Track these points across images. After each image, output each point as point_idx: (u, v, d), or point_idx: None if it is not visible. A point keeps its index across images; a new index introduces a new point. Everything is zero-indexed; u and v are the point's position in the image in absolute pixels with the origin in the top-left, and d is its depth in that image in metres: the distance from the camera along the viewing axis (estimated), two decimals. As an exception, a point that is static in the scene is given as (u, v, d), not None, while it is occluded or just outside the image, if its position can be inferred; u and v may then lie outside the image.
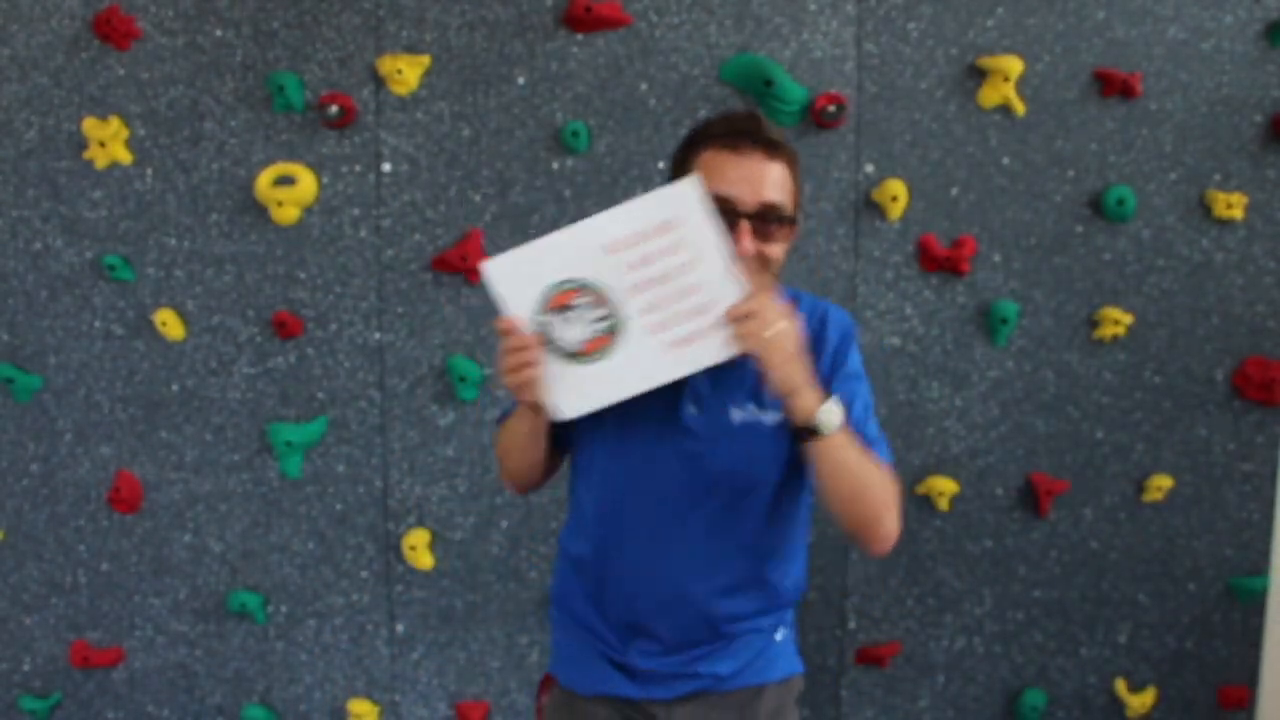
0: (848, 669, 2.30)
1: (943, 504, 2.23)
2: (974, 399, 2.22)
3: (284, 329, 2.17)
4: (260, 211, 2.14)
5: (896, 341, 2.19)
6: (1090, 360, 2.22)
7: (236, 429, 2.22)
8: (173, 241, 2.16)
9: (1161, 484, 2.24)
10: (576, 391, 1.25)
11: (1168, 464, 2.25)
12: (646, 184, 2.13)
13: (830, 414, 1.22)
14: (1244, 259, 2.19)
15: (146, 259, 2.17)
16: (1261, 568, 2.29)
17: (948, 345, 2.20)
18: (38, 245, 2.17)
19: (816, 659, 2.30)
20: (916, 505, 2.25)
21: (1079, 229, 2.17)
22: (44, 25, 2.10)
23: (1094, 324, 2.20)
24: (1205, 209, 2.18)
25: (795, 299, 1.36)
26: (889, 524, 1.30)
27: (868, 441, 1.31)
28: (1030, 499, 2.25)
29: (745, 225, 1.24)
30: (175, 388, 2.21)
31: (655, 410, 1.31)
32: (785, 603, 1.46)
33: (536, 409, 1.27)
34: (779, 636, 1.48)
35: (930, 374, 2.21)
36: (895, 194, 2.11)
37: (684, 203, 1.19)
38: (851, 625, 2.29)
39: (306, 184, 2.10)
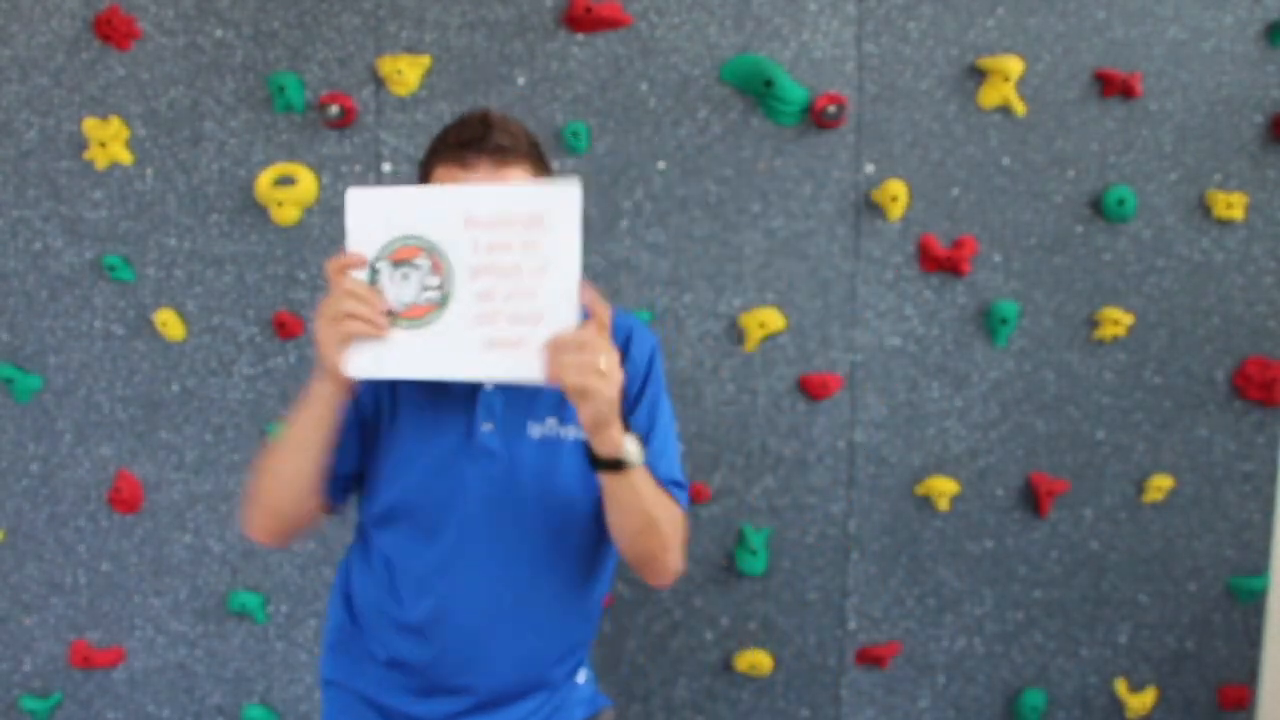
0: (848, 669, 2.30)
1: (943, 504, 2.23)
2: (974, 399, 2.22)
3: (284, 329, 2.17)
4: (260, 212, 2.14)
5: (896, 342, 2.19)
6: (1090, 360, 2.21)
7: (237, 429, 2.22)
8: (173, 242, 2.16)
9: (1162, 484, 2.24)
10: (375, 353, 1.17)
11: (1168, 464, 2.25)
12: (647, 184, 2.14)
13: (635, 452, 1.17)
14: (1244, 259, 2.19)
15: (147, 259, 2.17)
16: (1262, 568, 2.29)
17: (948, 345, 2.20)
18: (38, 245, 2.17)
19: (816, 659, 2.30)
20: (916, 506, 2.25)
21: (1079, 229, 2.17)
22: (44, 25, 2.10)
23: (1094, 324, 2.20)
24: (1205, 209, 2.18)
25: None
26: (673, 560, 1.26)
27: (664, 469, 1.27)
28: (1030, 499, 2.25)
29: None
30: (175, 388, 2.21)
31: (451, 428, 1.26)
32: (592, 635, 1.42)
33: (336, 374, 1.16)
34: (580, 679, 1.43)
35: (930, 374, 2.21)
36: (895, 194, 2.11)
37: (562, 206, 1.14)
38: (851, 625, 2.29)
39: (307, 184, 2.10)
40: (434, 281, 1.16)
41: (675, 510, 1.26)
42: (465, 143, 1.22)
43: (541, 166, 1.28)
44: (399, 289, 1.17)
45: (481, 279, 1.16)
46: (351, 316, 1.14)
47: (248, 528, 1.31)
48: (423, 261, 1.16)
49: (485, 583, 1.28)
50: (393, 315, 1.17)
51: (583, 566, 1.33)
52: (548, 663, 1.35)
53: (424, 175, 1.28)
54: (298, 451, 1.22)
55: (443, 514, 1.28)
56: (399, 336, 1.17)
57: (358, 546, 1.41)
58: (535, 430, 1.27)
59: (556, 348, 1.12)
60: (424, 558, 1.29)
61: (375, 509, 1.34)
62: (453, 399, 1.28)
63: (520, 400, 1.27)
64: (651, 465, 1.25)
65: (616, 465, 1.17)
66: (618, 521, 1.23)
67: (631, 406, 1.28)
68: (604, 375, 1.10)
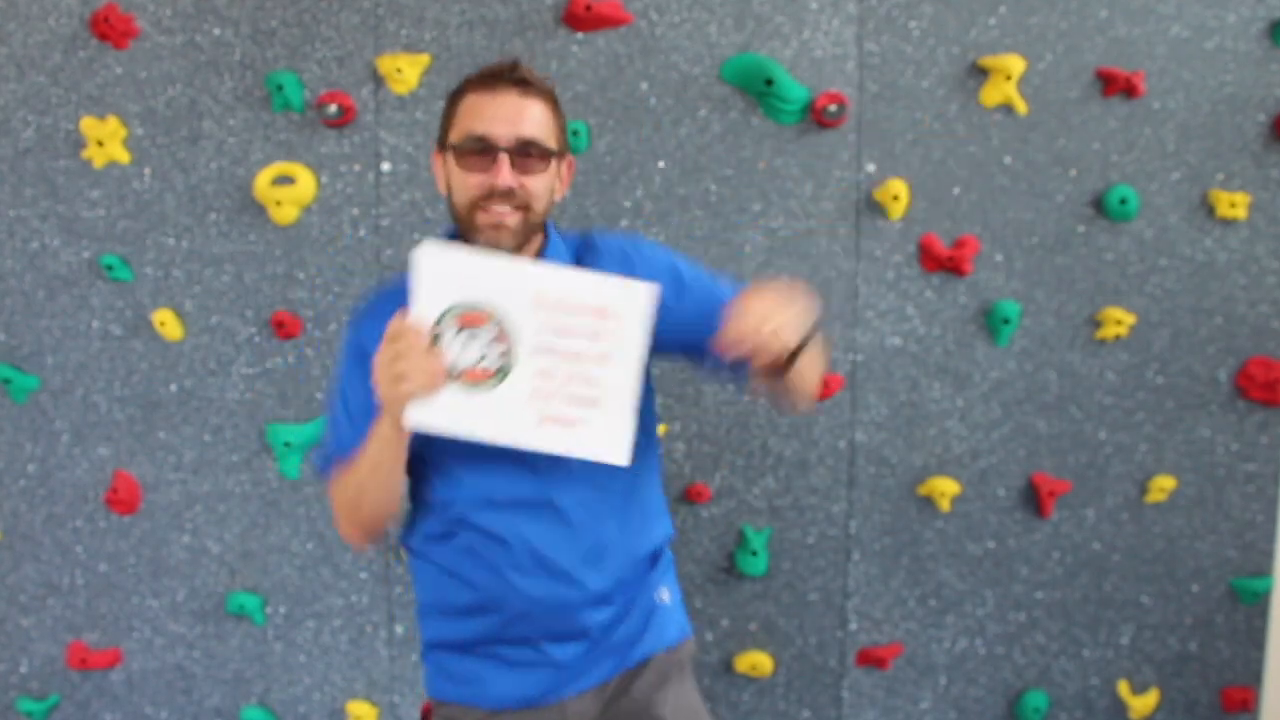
0: (849, 670, 2.30)
1: (944, 505, 2.22)
2: (976, 399, 2.21)
3: (283, 329, 2.16)
4: (259, 211, 2.13)
5: (898, 341, 2.19)
6: (1092, 360, 2.21)
7: (235, 429, 2.21)
8: (171, 241, 2.16)
9: (1164, 485, 2.23)
10: (433, 408, 1.21)
11: (1170, 465, 2.25)
12: (647, 183, 2.13)
13: (804, 344, 1.22)
14: (1247, 259, 2.19)
15: (145, 259, 2.16)
16: (1265, 569, 2.29)
17: (949, 345, 2.19)
18: (35, 245, 2.17)
19: (817, 660, 2.29)
20: (918, 506, 2.25)
21: (1081, 229, 2.17)
22: (41, 24, 2.09)
23: (1096, 324, 2.19)
24: (1208, 208, 2.17)
25: (590, 246, 1.37)
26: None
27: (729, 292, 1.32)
28: (1032, 500, 2.25)
29: (503, 158, 1.25)
30: (174, 388, 2.20)
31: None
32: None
33: (397, 419, 1.23)
34: (665, 597, 1.50)
35: (932, 374, 2.20)
36: (897, 193, 2.10)
37: (631, 301, 1.19)
38: (853, 626, 2.28)
39: (305, 183, 2.10)
40: (497, 350, 1.21)
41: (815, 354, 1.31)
42: (494, 73, 1.30)
43: (559, 112, 1.33)
44: (462, 351, 1.21)
45: (543, 357, 1.21)
46: (408, 378, 1.19)
47: (348, 540, 1.41)
48: (488, 330, 1.20)
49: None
50: (451, 373, 1.21)
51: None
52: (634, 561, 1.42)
53: (450, 107, 1.33)
54: (385, 477, 1.30)
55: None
56: (457, 397, 1.21)
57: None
58: None
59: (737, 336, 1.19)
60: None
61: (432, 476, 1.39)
62: None
63: None
64: (723, 300, 1.27)
65: (794, 357, 1.22)
66: (798, 391, 1.30)
67: (692, 308, 1.32)
68: (776, 332, 1.18)
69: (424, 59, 2.08)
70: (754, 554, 2.21)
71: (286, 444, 2.17)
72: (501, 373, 1.21)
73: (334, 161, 2.12)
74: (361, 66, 2.10)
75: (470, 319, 1.20)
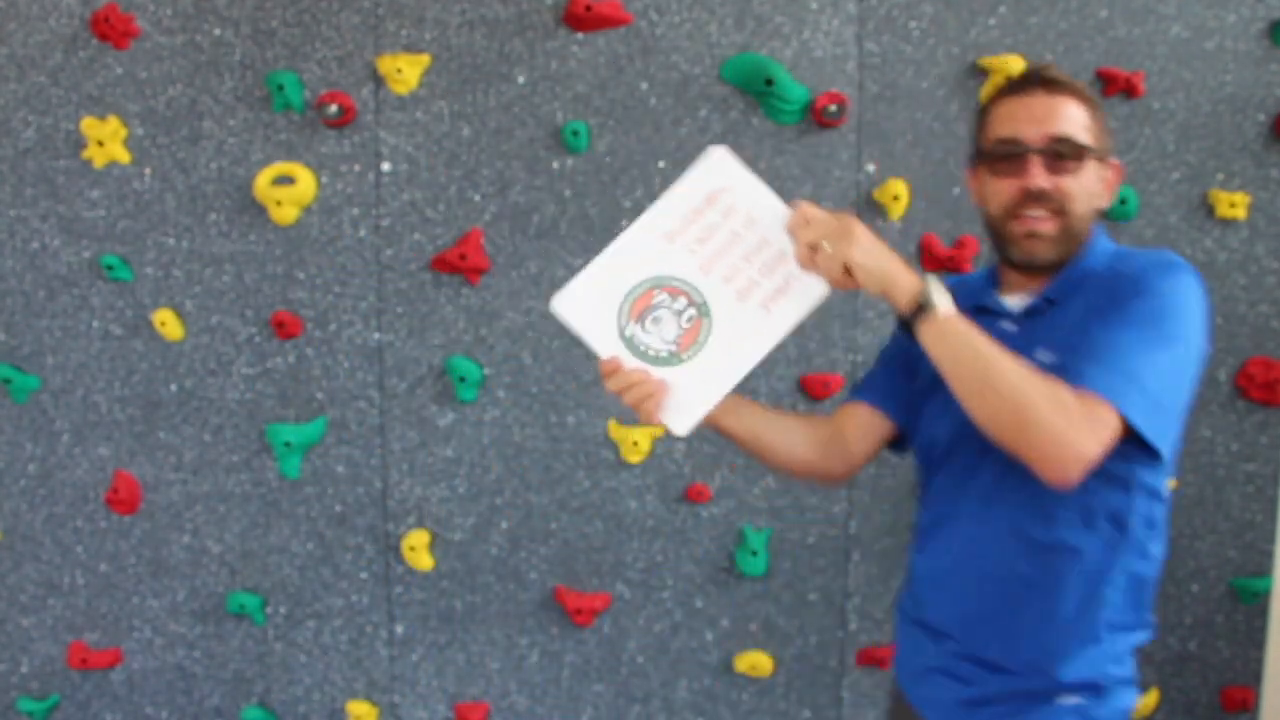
0: (849, 670, 2.30)
1: (944, 505, 2.22)
2: (976, 399, 2.21)
3: (283, 329, 2.16)
4: (259, 211, 2.13)
5: (898, 341, 2.19)
6: (1092, 360, 2.20)
7: (235, 429, 2.21)
8: (171, 241, 2.16)
9: (1164, 485, 2.23)
10: (687, 396, 1.19)
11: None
12: (647, 184, 2.13)
13: (936, 292, 1.13)
14: (1247, 259, 2.19)
15: (145, 259, 2.16)
16: (1265, 569, 2.28)
17: (949, 345, 2.19)
18: (35, 245, 2.17)
19: (817, 660, 2.29)
20: (918, 506, 2.24)
21: (1081, 228, 2.16)
22: (42, 24, 2.10)
23: (1096, 324, 2.19)
24: (1208, 208, 2.17)
25: (1119, 255, 1.26)
26: (1049, 437, 1.06)
27: (1088, 373, 1.10)
28: (1032, 500, 2.24)
29: (1033, 160, 1.21)
30: (174, 388, 2.20)
31: None
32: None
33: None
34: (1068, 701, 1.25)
35: (932, 374, 2.20)
36: (897, 193, 2.10)
37: (719, 169, 1.20)
38: (853, 626, 2.28)
39: (306, 183, 2.10)
40: (682, 304, 1.19)
41: (1036, 380, 1.08)
42: (1024, 78, 1.27)
43: (1097, 111, 1.26)
44: (661, 332, 1.19)
45: (716, 266, 1.19)
46: (640, 401, 1.19)
47: None
48: (660, 298, 1.19)
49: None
50: (676, 356, 1.19)
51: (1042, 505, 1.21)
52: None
53: (980, 119, 1.30)
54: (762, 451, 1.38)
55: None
56: (695, 366, 1.19)
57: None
58: (1044, 357, 1.19)
59: (803, 260, 1.17)
60: None
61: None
62: None
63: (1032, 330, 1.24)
64: (1071, 366, 1.13)
65: (921, 311, 1.13)
66: (955, 388, 1.13)
67: (1087, 325, 1.18)
68: (845, 235, 1.13)
69: (424, 59, 2.08)
70: (754, 554, 2.20)
71: (286, 444, 2.17)
72: (705, 312, 1.19)
73: (334, 161, 2.12)
74: (362, 66, 2.10)
75: (640, 306, 1.19)
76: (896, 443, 1.43)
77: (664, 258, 1.19)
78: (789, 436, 1.37)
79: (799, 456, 1.37)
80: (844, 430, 1.40)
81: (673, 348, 1.19)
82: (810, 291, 1.18)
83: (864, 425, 1.40)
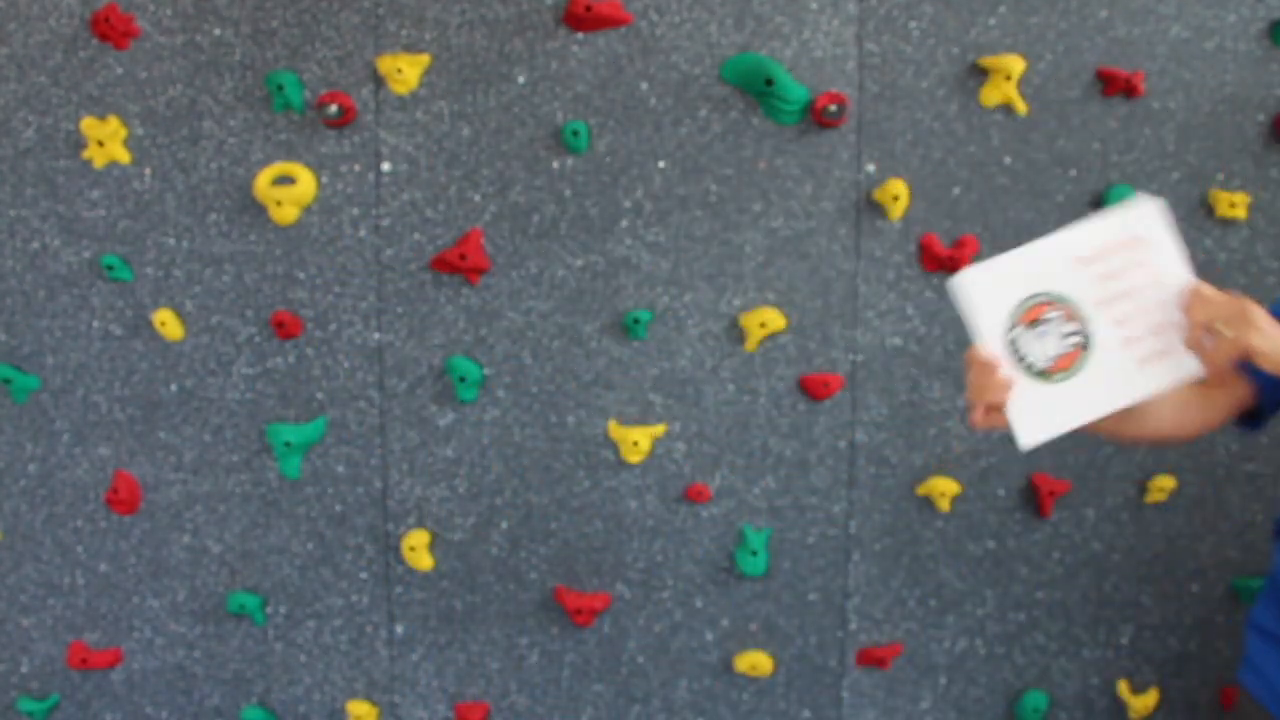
0: (849, 670, 2.30)
1: (944, 505, 2.22)
2: (976, 399, 2.21)
3: (283, 329, 2.16)
4: (259, 211, 2.13)
5: (898, 342, 2.18)
6: (1092, 360, 2.20)
7: (235, 429, 2.21)
8: (171, 241, 2.16)
9: (1164, 485, 2.23)
10: (1041, 414, 1.23)
11: (1170, 464, 2.24)
12: (647, 184, 2.13)
13: None
14: (1247, 259, 2.19)
15: (145, 259, 2.16)
16: (1265, 569, 2.28)
17: (949, 345, 2.19)
18: (35, 245, 2.17)
19: (817, 660, 2.29)
20: (918, 506, 2.24)
21: (1081, 228, 2.16)
22: (41, 24, 2.09)
23: (1096, 324, 2.19)
24: (1208, 208, 2.17)
25: None
26: None
27: None
28: (1032, 500, 2.24)
29: None
30: (174, 388, 2.20)
31: None
32: None
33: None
34: None
35: (932, 374, 2.20)
36: (896, 193, 2.10)
37: (1150, 220, 1.21)
38: (852, 626, 2.28)
39: (305, 183, 2.10)
40: (1071, 328, 1.22)
41: None
42: None
43: None
44: (1041, 346, 1.22)
45: (1112, 308, 1.22)
46: (990, 402, 1.20)
47: None
48: (1053, 314, 1.21)
49: None
50: (1046, 373, 1.22)
51: None
52: None
53: None
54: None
55: None
56: (1059, 389, 1.22)
57: None
58: None
59: (1201, 333, 1.17)
60: None
61: None
62: None
63: None
64: None
65: None
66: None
67: None
68: (1230, 329, 1.14)
69: (424, 59, 2.08)
70: (754, 554, 2.20)
71: (286, 444, 2.17)
72: (1087, 342, 1.22)
73: (334, 161, 2.12)
74: (362, 66, 2.10)
75: (1034, 313, 1.21)
76: (1254, 416, 1.42)
77: (1070, 278, 1.21)
78: (1152, 415, 1.33)
79: (1153, 430, 1.36)
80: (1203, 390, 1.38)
81: (1048, 365, 1.23)
82: (1184, 367, 1.22)
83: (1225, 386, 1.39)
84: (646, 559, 2.25)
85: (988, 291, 1.22)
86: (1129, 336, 1.22)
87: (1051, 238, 1.23)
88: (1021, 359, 1.22)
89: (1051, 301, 1.21)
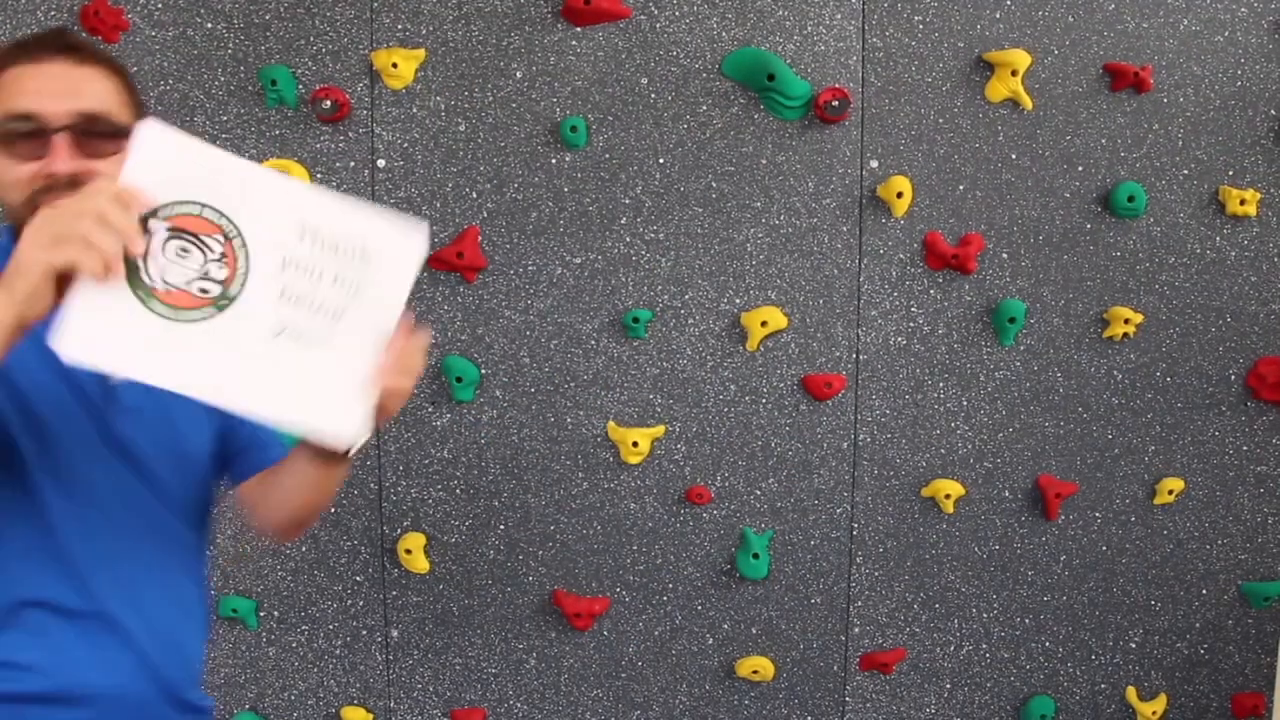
0: (852, 675, 2.27)
1: (948, 507, 2.19)
2: (981, 399, 2.19)
3: (276, 328, 2.13)
4: (252, 208, 2.11)
5: (901, 341, 2.16)
6: (1100, 360, 2.18)
7: (228, 430, 2.19)
8: (163, 239, 2.13)
9: (1173, 486, 2.21)
10: (105, 327, 0.90)
11: (1179, 466, 2.22)
12: (647, 180, 2.10)
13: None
14: (1257, 256, 2.17)
15: (136, 257, 2.14)
16: (1276, 572, 2.26)
17: (954, 344, 2.17)
18: (25, 243, 2.14)
19: (820, 664, 2.26)
20: (922, 508, 2.22)
21: (1088, 226, 2.14)
22: (30, 18, 2.07)
23: (1104, 323, 2.17)
24: (1218, 205, 2.15)
25: None
26: None
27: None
28: (1038, 502, 2.22)
29: (59, 141, 1.01)
30: (165, 388, 2.18)
31: (76, 382, 1.07)
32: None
33: (23, 316, 0.88)
34: None
35: (936, 374, 2.18)
36: (900, 190, 2.08)
37: (410, 249, 1.02)
38: (856, 630, 2.26)
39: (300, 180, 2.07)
40: (220, 275, 0.94)
41: None
42: (40, 41, 1.08)
43: (123, 76, 1.13)
44: (173, 266, 0.92)
45: (283, 302, 0.97)
46: (88, 241, 0.86)
47: None
48: (215, 244, 0.94)
49: None
50: (147, 291, 0.92)
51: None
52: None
53: None
54: None
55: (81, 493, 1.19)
56: (151, 321, 0.92)
57: None
58: None
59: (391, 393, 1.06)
60: None
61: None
62: None
63: None
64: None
65: (344, 455, 1.14)
66: (310, 499, 1.26)
67: None
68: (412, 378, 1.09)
69: (420, 54, 2.06)
70: (756, 557, 2.18)
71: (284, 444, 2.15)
72: (220, 304, 0.94)
73: (329, 158, 2.09)
74: (356, 61, 2.07)
75: (195, 224, 0.93)
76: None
77: (272, 228, 0.97)
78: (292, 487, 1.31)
79: (288, 508, 1.36)
80: None
81: (159, 286, 0.93)
82: (343, 417, 1.02)
83: None
84: (646, 562, 2.23)
85: (171, 163, 0.94)
86: (289, 334, 0.97)
87: (287, 176, 1.02)
88: (135, 260, 0.90)
89: (225, 233, 0.94)
